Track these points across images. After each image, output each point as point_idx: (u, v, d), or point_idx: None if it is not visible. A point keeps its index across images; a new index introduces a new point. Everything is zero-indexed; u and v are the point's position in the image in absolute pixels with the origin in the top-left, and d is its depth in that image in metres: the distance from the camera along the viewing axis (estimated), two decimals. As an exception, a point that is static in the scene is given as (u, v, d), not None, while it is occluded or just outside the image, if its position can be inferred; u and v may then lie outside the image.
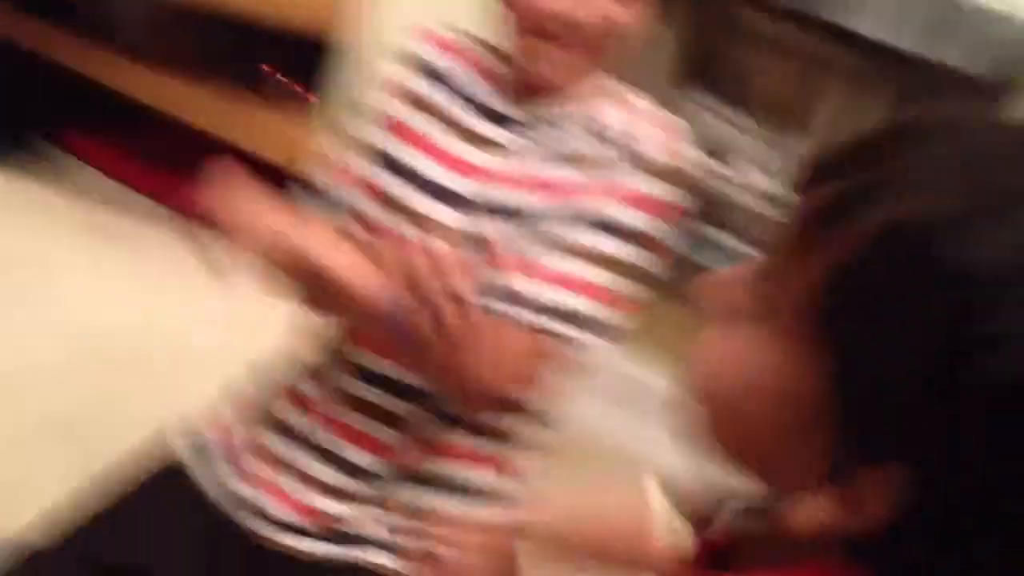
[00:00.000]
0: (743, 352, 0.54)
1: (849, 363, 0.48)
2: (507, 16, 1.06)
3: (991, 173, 0.47)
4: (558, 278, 1.01)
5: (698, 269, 1.04)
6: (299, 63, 2.41)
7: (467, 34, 1.15)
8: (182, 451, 1.19)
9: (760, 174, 1.89)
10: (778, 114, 1.91)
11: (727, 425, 0.55)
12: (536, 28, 1.03)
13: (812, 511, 0.50)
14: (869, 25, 1.66)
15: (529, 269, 1.02)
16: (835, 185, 0.50)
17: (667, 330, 1.57)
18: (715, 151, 1.94)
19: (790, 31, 1.77)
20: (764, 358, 0.52)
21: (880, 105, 1.73)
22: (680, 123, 1.06)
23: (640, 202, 1.02)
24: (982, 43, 1.59)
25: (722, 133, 1.93)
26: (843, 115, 1.81)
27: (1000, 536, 0.47)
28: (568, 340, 1.01)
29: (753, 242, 1.83)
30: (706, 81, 1.88)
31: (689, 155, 1.04)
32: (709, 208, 1.81)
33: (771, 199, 1.86)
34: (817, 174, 0.52)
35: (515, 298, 1.01)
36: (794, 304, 0.50)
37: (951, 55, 1.62)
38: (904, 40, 1.63)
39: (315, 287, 1.04)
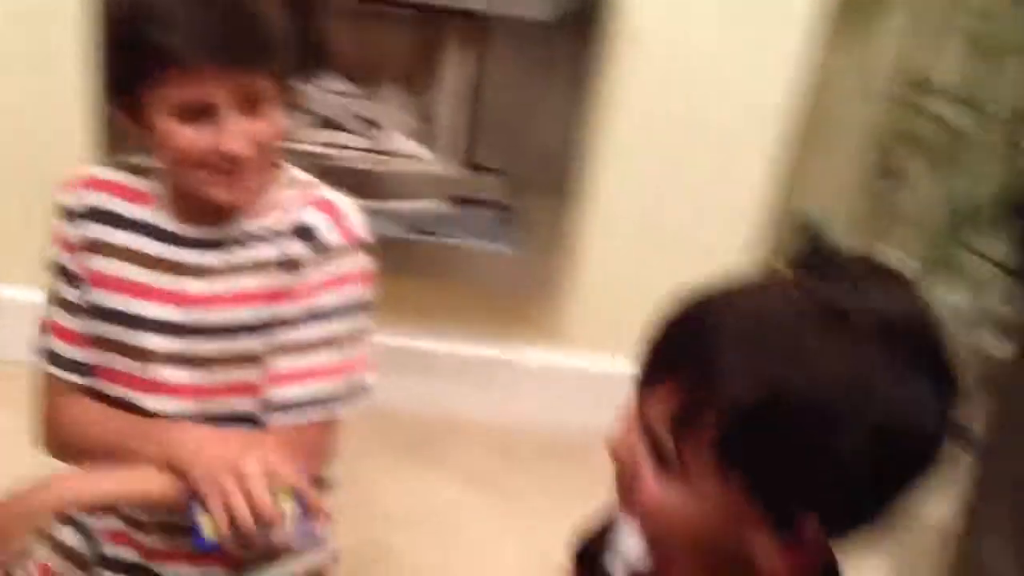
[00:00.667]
0: (670, 504, 0.72)
1: (755, 477, 0.69)
2: (163, 154, 1.10)
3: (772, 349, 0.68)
4: (305, 372, 1.14)
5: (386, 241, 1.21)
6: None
7: (103, 169, 1.19)
8: None
9: (403, 138, 2.01)
10: (401, 81, 2.02)
11: (666, 543, 0.77)
12: (201, 164, 1.08)
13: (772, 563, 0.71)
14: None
15: (278, 377, 1.14)
16: (675, 389, 0.70)
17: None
18: (351, 128, 2.04)
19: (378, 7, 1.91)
20: (690, 502, 0.72)
21: (490, 56, 1.91)
22: (345, 200, 1.17)
23: (342, 281, 1.14)
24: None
25: (359, 109, 2.03)
26: (454, 72, 1.96)
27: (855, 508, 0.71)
28: (334, 417, 1.16)
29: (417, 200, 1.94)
30: (325, 63, 2.00)
31: (358, 226, 1.15)
32: (368, 184, 1.89)
33: (417, 158, 2.00)
34: (654, 374, 0.73)
35: (278, 406, 1.14)
36: (701, 465, 0.70)
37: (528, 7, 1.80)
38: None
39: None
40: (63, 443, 1.21)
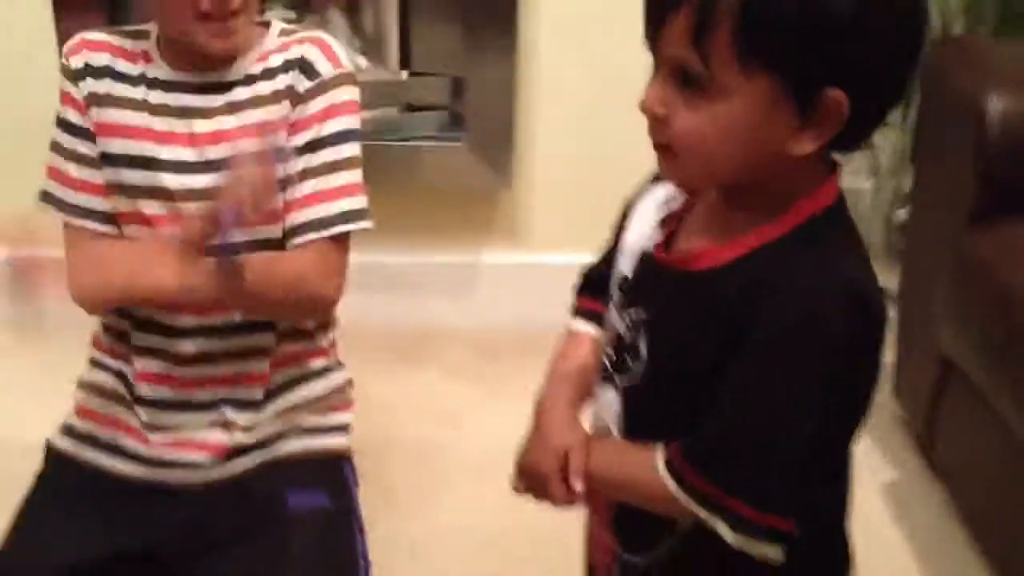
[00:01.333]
0: (712, 125, 0.77)
1: (779, 63, 0.74)
2: (153, 5, 1.20)
3: None
4: (330, 193, 1.21)
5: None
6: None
7: (99, 33, 1.26)
8: (65, 446, 1.33)
9: (359, 57, 2.11)
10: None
11: (710, 171, 0.81)
12: (198, 16, 1.15)
13: (800, 145, 0.77)
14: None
15: (302, 202, 1.21)
16: (687, 8, 0.75)
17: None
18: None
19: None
20: (741, 111, 0.76)
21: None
22: (327, 36, 1.26)
23: (340, 110, 1.23)
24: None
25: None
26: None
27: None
28: (352, 233, 1.23)
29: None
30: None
31: (346, 60, 1.25)
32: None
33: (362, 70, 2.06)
34: (665, 7, 0.77)
35: (307, 226, 1.21)
36: (725, 76, 0.75)
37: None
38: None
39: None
40: (95, 290, 1.24)
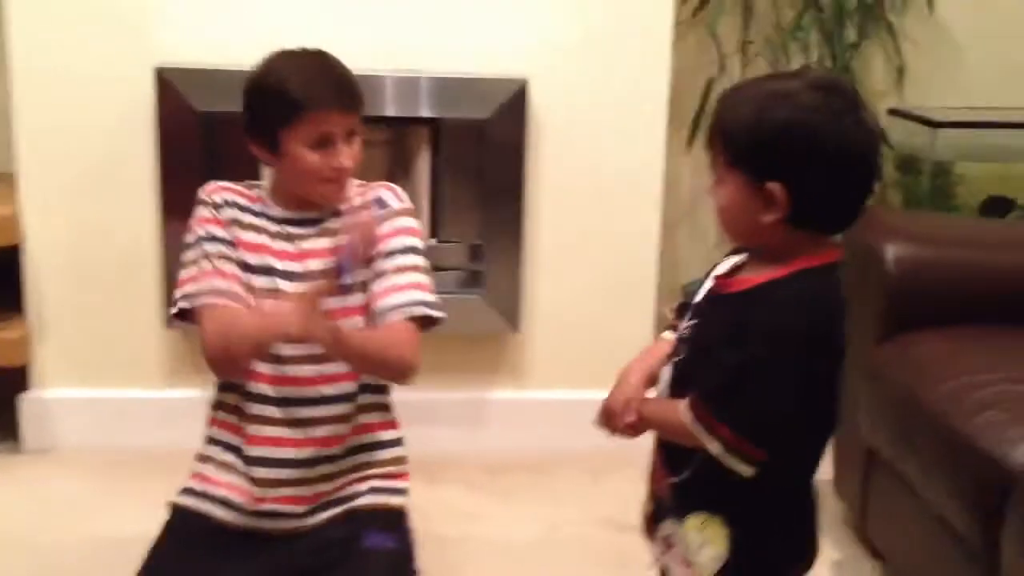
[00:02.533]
0: (722, 200, 1.28)
1: (740, 163, 1.23)
2: (291, 172, 1.66)
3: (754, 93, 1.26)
4: (403, 286, 1.68)
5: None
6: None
7: (225, 183, 1.75)
8: (186, 503, 1.71)
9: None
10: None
11: (731, 232, 1.31)
12: (320, 178, 1.65)
13: (766, 218, 1.23)
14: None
15: (385, 292, 1.67)
16: (709, 130, 1.29)
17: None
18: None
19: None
20: (731, 197, 1.26)
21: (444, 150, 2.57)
22: (395, 186, 1.77)
23: (407, 231, 1.72)
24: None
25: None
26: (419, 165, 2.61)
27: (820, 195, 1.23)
28: (426, 315, 1.68)
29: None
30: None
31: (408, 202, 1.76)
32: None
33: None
34: (709, 139, 1.30)
35: (384, 311, 1.66)
36: (723, 171, 1.26)
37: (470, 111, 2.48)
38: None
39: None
40: (227, 341, 1.59)
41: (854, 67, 2.90)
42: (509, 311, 2.60)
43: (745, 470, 1.24)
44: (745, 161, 1.23)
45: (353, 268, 1.58)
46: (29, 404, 2.57)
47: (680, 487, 1.35)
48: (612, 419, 1.41)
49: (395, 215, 1.72)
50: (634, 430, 1.40)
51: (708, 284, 1.38)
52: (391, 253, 1.69)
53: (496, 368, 2.69)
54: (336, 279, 1.57)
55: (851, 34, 2.89)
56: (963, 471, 1.73)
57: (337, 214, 1.71)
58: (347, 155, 1.65)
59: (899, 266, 2.07)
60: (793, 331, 1.22)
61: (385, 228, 1.70)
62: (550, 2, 2.50)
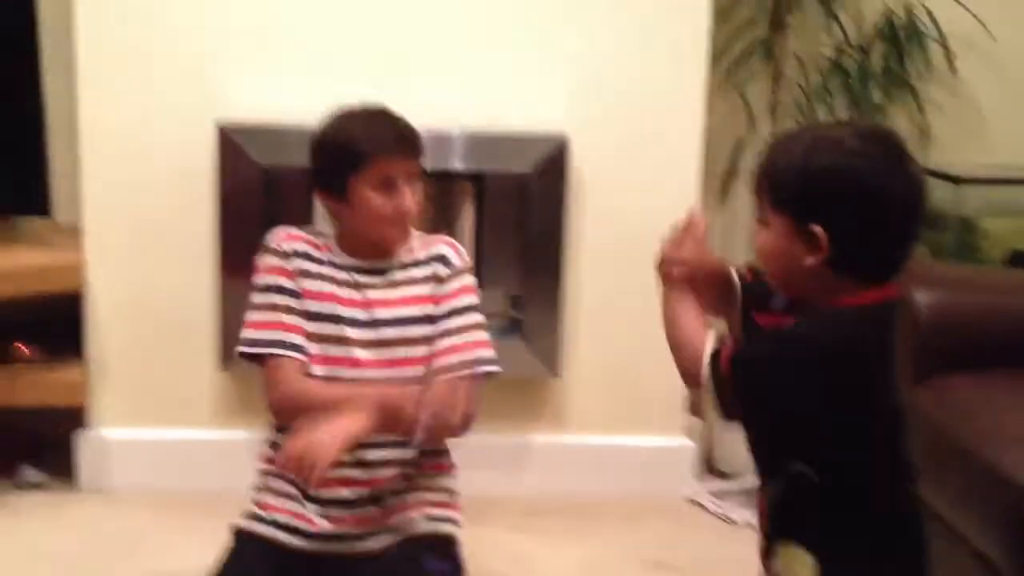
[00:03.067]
0: (766, 244, 1.34)
1: (785, 207, 1.30)
2: (359, 216, 1.78)
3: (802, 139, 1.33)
4: (465, 345, 1.81)
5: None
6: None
7: (295, 231, 1.88)
8: (250, 527, 1.81)
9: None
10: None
11: (773, 275, 1.36)
12: (386, 220, 1.77)
13: (809, 260, 1.29)
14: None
15: (449, 351, 1.80)
16: (755, 175, 1.35)
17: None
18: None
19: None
20: (775, 241, 1.32)
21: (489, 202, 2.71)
22: (455, 242, 1.90)
23: (468, 290, 1.85)
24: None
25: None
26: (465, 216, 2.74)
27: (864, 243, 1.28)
28: (487, 372, 1.82)
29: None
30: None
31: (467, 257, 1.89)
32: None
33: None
34: (757, 182, 1.35)
35: (445, 369, 1.79)
36: (768, 215, 1.33)
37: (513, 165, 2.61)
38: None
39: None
40: (295, 406, 1.75)
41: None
42: (549, 357, 2.69)
43: (720, 413, 1.33)
44: (790, 203, 1.29)
45: (423, 439, 1.75)
46: (87, 443, 2.67)
47: (771, 511, 1.40)
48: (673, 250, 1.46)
49: (458, 273, 1.85)
50: (667, 283, 1.45)
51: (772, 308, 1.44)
52: (454, 312, 1.82)
53: (537, 413, 2.77)
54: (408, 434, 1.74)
55: (876, 96, 3.00)
56: (997, 503, 1.80)
57: (402, 266, 1.83)
58: (409, 198, 1.77)
59: (930, 312, 2.15)
60: (807, 343, 1.30)
61: (449, 286, 1.83)
62: (590, 62, 2.63)
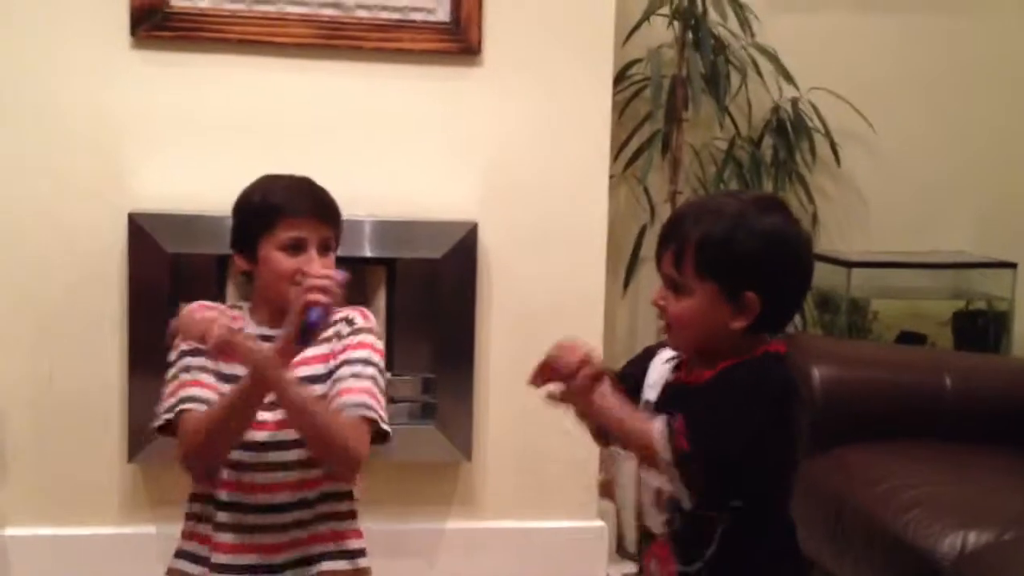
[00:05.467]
0: (687, 310, 1.40)
1: (717, 276, 1.37)
2: (267, 278, 1.81)
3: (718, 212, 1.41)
4: (358, 391, 1.78)
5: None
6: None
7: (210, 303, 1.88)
8: None
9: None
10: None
11: (690, 339, 1.43)
12: (292, 281, 1.76)
13: (735, 324, 1.38)
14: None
15: (341, 393, 1.78)
16: (672, 248, 1.41)
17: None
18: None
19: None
20: (699, 306, 1.38)
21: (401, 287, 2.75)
22: (365, 309, 1.92)
23: (366, 346, 1.84)
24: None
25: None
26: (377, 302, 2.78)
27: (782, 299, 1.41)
28: (378, 418, 1.78)
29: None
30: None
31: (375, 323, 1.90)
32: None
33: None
34: (662, 247, 1.43)
35: (348, 406, 1.76)
36: (691, 282, 1.39)
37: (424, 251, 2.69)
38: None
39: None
40: (201, 433, 1.71)
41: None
42: (462, 441, 2.72)
43: (686, 499, 1.37)
44: (719, 274, 1.37)
45: (318, 326, 1.67)
46: (-13, 543, 2.58)
47: (680, 547, 1.45)
48: (560, 367, 1.45)
49: (360, 331, 1.85)
50: (586, 394, 1.43)
51: (661, 380, 1.51)
52: (350, 362, 1.81)
53: (450, 498, 2.78)
54: (302, 334, 1.67)
55: (768, 185, 3.16)
56: (895, 565, 1.88)
57: None
58: (318, 263, 1.79)
59: (826, 386, 2.26)
60: (758, 387, 1.37)
61: (349, 340, 1.83)
62: (499, 152, 2.73)
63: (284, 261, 1.79)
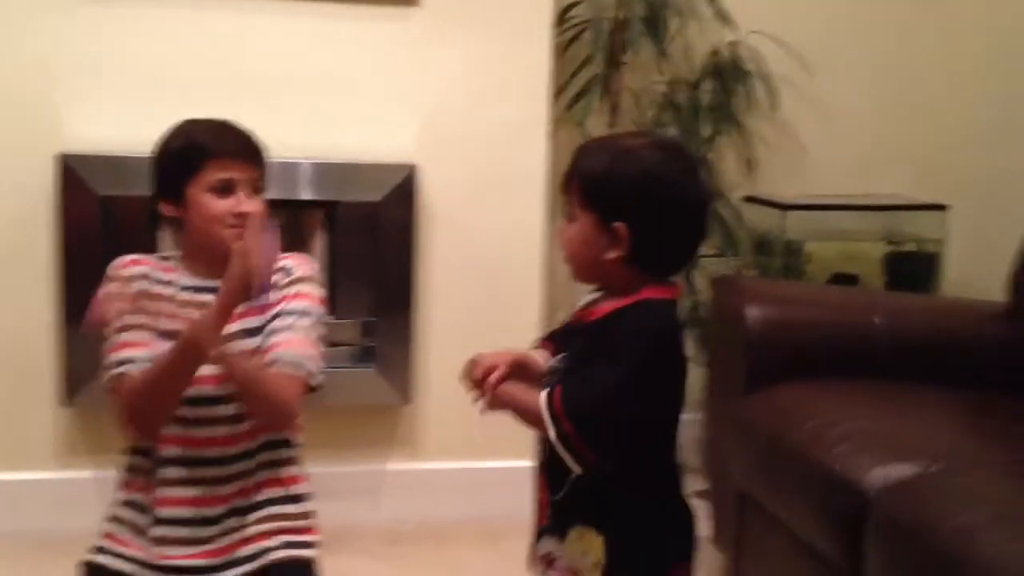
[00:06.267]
0: (572, 238, 1.48)
1: (592, 205, 1.44)
2: (198, 222, 1.78)
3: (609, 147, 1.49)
4: (291, 343, 1.77)
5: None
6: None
7: (139, 256, 1.86)
8: (98, 560, 1.78)
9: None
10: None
11: (576, 267, 1.49)
12: (224, 223, 1.76)
13: (609, 255, 1.44)
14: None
15: (275, 346, 1.77)
16: (567, 176, 1.49)
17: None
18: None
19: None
20: (581, 231, 1.45)
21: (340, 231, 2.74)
22: (306, 255, 1.91)
23: (304, 296, 1.82)
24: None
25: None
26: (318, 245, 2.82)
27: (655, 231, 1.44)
28: (309, 372, 1.77)
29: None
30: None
31: (312, 268, 1.88)
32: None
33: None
34: (566, 182, 1.49)
35: (281, 362, 1.75)
36: (576, 211, 1.46)
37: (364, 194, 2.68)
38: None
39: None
40: (140, 393, 1.71)
41: (710, 159, 3.19)
42: (401, 384, 2.73)
43: (575, 466, 1.42)
44: (597, 203, 1.44)
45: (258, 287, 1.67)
46: (-82, 490, 2.55)
47: (559, 504, 1.51)
48: (475, 370, 1.55)
49: (298, 281, 1.83)
50: (493, 398, 1.52)
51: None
52: (287, 313, 1.80)
53: (391, 440, 2.79)
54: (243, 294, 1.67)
55: (706, 130, 3.18)
56: (825, 497, 1.92)
57: None
58: (248, 202, 1.77)
59: (759, 326, 2.30)
60: (635, 348, 1.42)
61: (287, 291, 1.82)
62: (439, 94, 2.72)
63: (215, 203, 1.76)
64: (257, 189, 1.81)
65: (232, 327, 1.76)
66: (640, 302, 1.45)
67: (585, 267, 1.50)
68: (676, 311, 1.50)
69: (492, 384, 1.52)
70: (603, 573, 1.46)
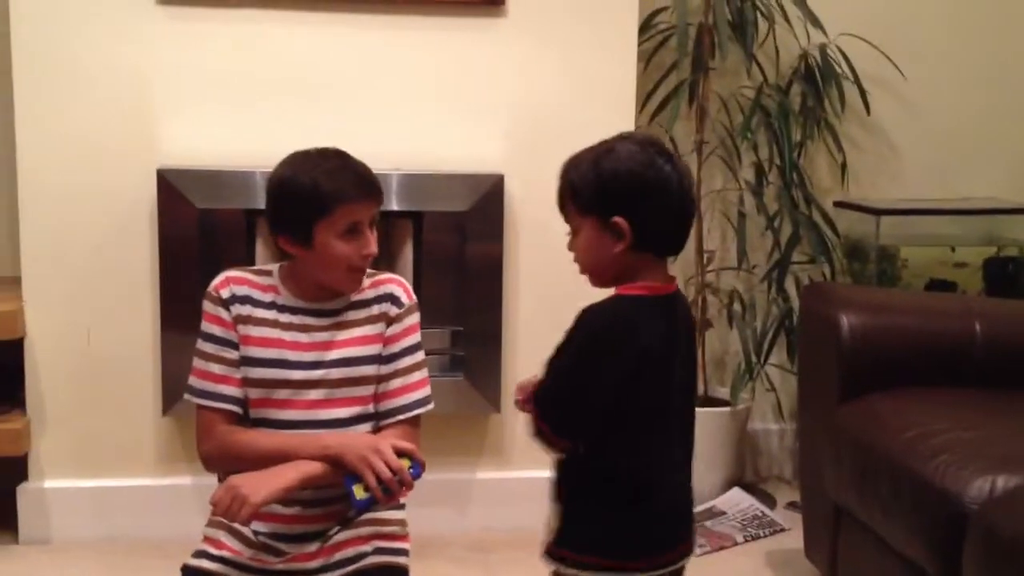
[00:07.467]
0: (580, 248, 1.57)
1: (590, 210, 1.53)
2: (321, 261, 1.77)
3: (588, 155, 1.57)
4: (407, 389, 1.84)
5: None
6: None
7: (238, 272, 1.85)
8: (201, 565, 1.79)
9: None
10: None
11: (593, 274, 1.57)
12: (355, 267, 1.79)
13: (617, 248, 1.52)
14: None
15: (395, 393, 1.84)
16: (565, 201, 1.58)
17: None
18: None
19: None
20: (587, 239, 1.54)
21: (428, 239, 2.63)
22: (400, 277, 1.91)
23: (415, 328, 1.88)
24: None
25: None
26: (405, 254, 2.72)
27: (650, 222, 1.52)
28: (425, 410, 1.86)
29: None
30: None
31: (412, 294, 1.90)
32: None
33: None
34: (560, 201, 1.60)
35: (396, 410, 1.84)
36: (577, 222, 1.56)
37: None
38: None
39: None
40: (234, 457, 1.77)
41: (801, 165, 3.14)
42: (490, 392, 2.74)
43: (549, 451, 1.59)
44: (593, 205, 1.52)
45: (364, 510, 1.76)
46: (27, 495, 2.64)
47: (553, 484, 1.64)
48: (516, 394, 1.70)
49: (407, 313, 1.88)
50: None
51: None
52: (402, 352, 1.85)
53: (479, 448, 2.81)
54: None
55: (796, 134, 3.13)
56: (923, 510, 1.88)
57: (350, 306, 1.85)
58: (373, 243, 1.81)
59: (853, 334, 2.25)
60: (573, 340, 1.53)
61: (405, 323, 1.87)
62: (526, 104, 2.73)
63: (342, 247, 1.77)
64: (375, 223, 1.84)
65: (353, 352, 1.81)
66: (610, 299, 1.53)
67: (600, 270, 1.57)
68: (648, 306, 1.54)
69: (521, 402, 1.66)
70: (554, 539, 1.58)
